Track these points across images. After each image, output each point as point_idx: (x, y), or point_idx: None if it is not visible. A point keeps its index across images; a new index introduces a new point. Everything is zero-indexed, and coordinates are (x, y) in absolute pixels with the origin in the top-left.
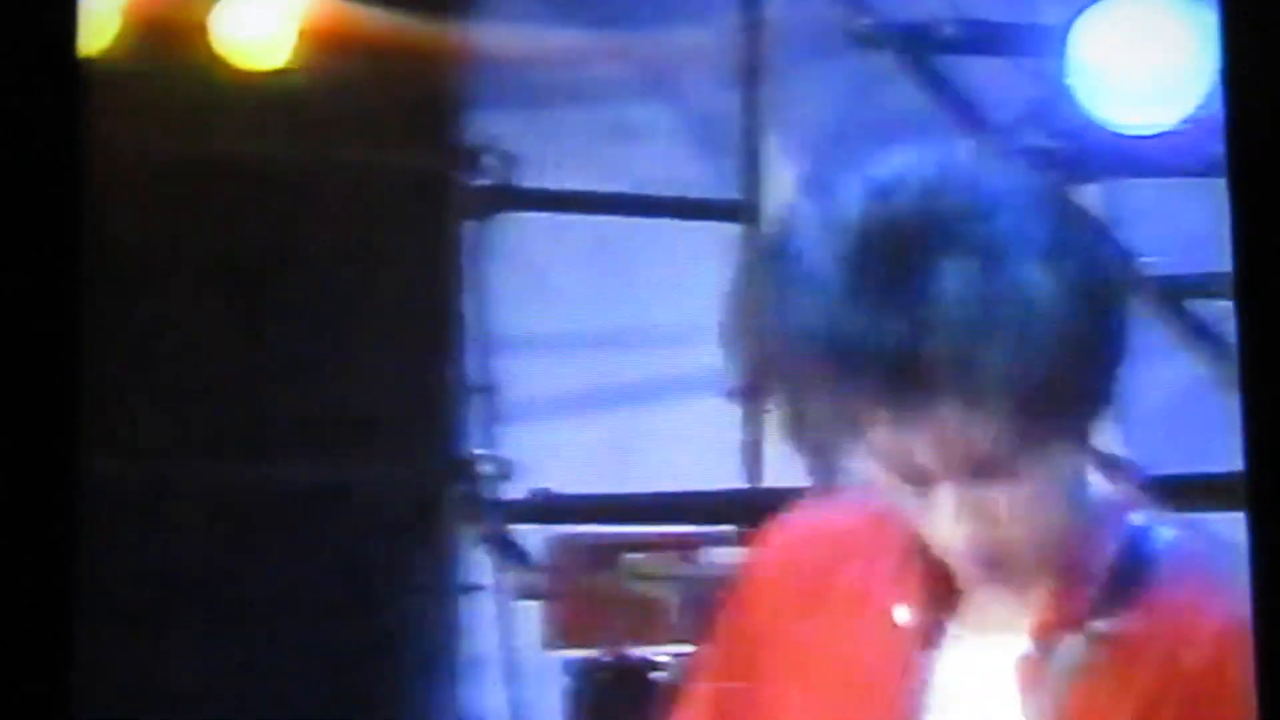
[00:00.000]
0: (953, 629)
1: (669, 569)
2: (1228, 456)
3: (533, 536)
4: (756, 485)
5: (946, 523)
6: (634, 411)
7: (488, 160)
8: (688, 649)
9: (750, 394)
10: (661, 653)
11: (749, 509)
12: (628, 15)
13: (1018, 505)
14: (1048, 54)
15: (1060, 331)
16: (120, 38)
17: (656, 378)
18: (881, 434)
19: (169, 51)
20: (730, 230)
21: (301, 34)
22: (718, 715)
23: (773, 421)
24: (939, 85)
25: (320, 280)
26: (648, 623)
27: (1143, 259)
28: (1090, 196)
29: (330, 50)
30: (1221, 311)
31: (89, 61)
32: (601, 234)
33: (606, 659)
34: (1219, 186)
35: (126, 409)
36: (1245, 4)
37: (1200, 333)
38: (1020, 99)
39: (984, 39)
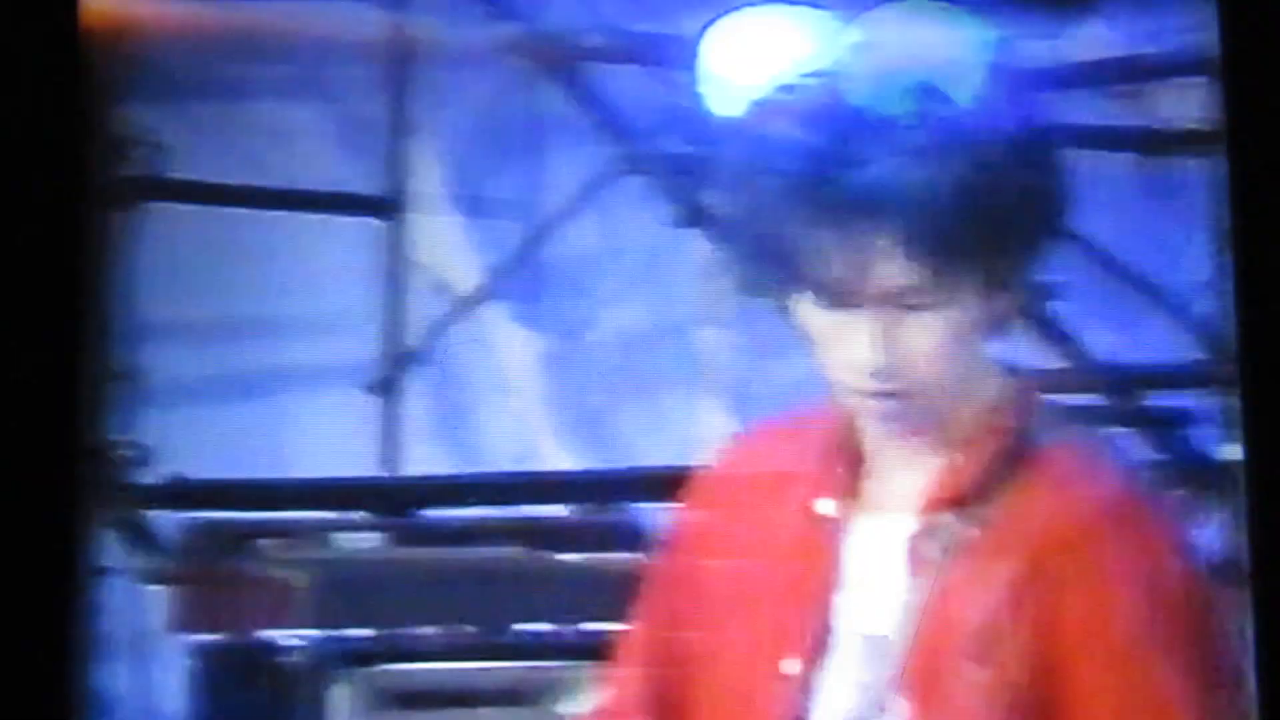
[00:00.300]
0: (861, 514)
1: (302, 554)
2: None
3: (166, 521)
4: (392, 474)
5: (861, 347)
6: (272, 400)
7: (135, 151)
8: (317, 633)
9: (387, 386)
10: (290, 636)
11: (383, 497)
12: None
13: (927, 336)
14: (683, 63)
15: (989, 179)
16: None
17: (296, 367)
18: (821, 259)
19: None
20: (374, 226)
21: None
22: (663, 649)
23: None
24: (581, 92)
25: None
26: (280, 607)
27: None
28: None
29: None
30: None
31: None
32: (248, 226)
33: (230, 641)
34: None
35: None
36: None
37: None
38: (658, 106)
39: (624, 48)
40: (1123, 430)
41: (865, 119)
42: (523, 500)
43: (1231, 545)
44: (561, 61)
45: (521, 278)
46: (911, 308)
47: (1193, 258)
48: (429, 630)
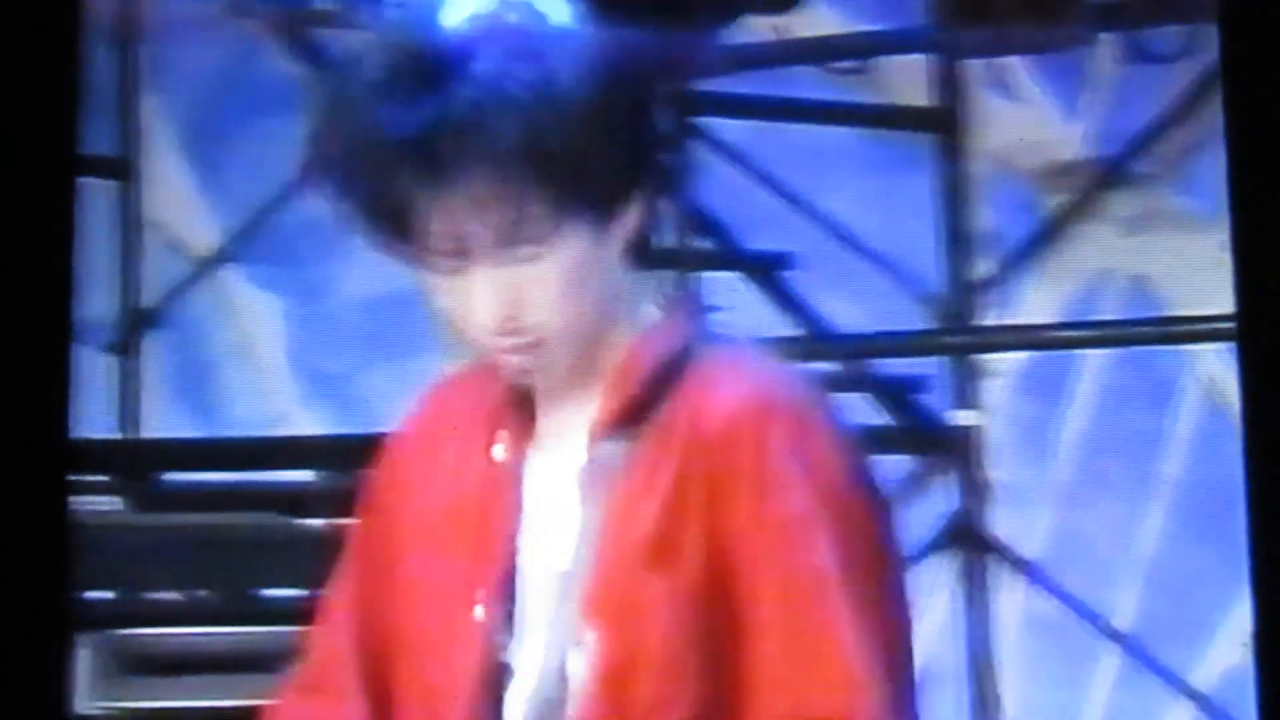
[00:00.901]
0: (536, 453)
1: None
2: None
3: None
4: (131, 436)
5: (481, 300)
6: None
7: None
8: None
9: (125, 347)
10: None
11: (123, 459)
12: None
13: (543, 283)
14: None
15: (577, 114)
16: None
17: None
18: (425, 216)
19: None
20: (108, 186)
21: None
22: (362, 610)
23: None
24: (309, 55)
25: None
26: None
27: None
28: None
29: None
30: None
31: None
32: None
33: None
34: None
35: None
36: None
37: None
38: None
39: (359, 12)
40: (855, 395)
41: (435, 51)
42: (268, 465)
43: (958, 509)
44: (292, 25)
45: (261, 240)
46: (521, 257)
47: (920, 228)
48: (170, 595)
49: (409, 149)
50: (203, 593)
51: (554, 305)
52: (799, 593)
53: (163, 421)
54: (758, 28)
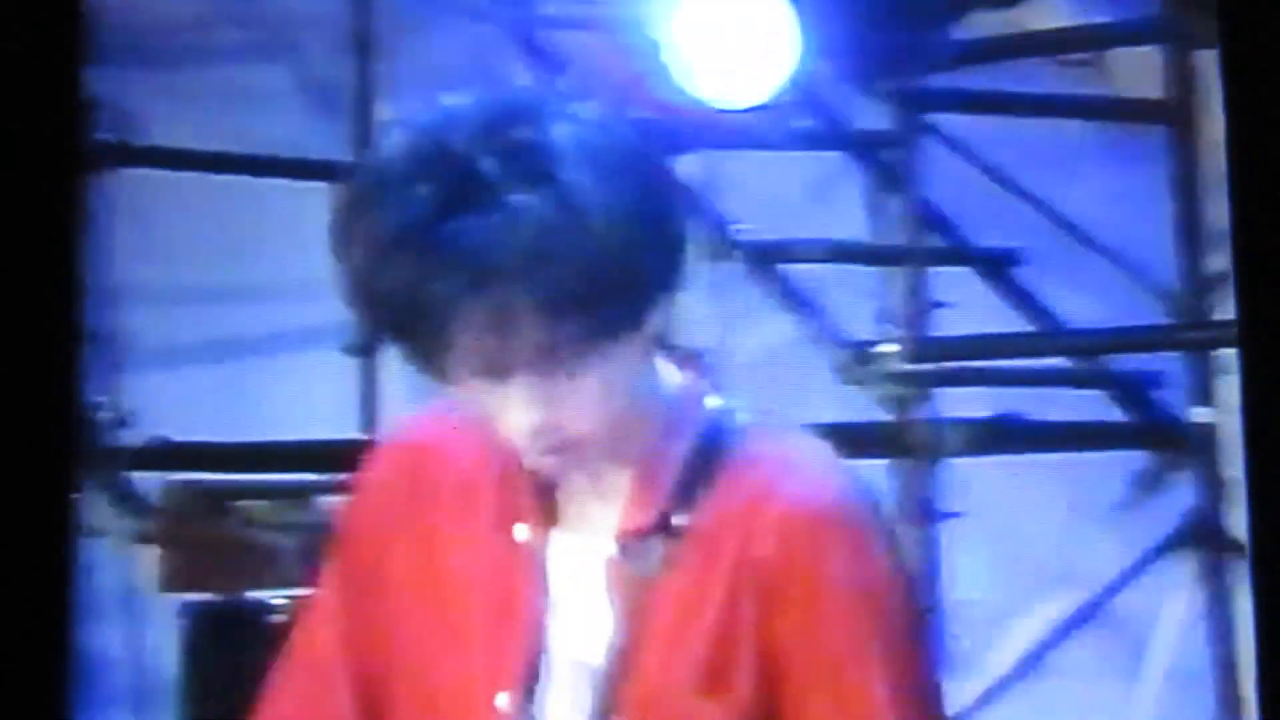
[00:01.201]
0: (557, 536)
1: (282, 516)
2: (819, 407)
3: (150, 483)
4: (371, 435)
5: (517, 413)
6: (251, 362)
7: (107, 117)
8: (301, 592)
9: (366, 348)
10: (276, 596)
11: (357, 457)
12: None
13: (581, 395)
14: (643, 33)
15: (608, 239)
16: None
17: (274, 331)
18: (465, 336)
19: None
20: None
21: None
22: (344, 629)
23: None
24: (544, 59)
25: None
26: (262, 568)
27: (736, 226)
28: (688, 168)
29: None
30: (808, 275)
31: None
32: (221, 191)
33: (221, 602)
34: (810, 158)
35: None
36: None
37: (793, 295)
38: (617, 76)
39: (586, 17)
40: (1091, 391)
41: (474, 164)
42: None
43: (1196, 507)
44: (525, 28)
45: None
46: (559, 368)
47: (1154, 222)
48: None
49: (448, 265)
50: None
51: (591, 414)
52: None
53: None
54: (987, 22)
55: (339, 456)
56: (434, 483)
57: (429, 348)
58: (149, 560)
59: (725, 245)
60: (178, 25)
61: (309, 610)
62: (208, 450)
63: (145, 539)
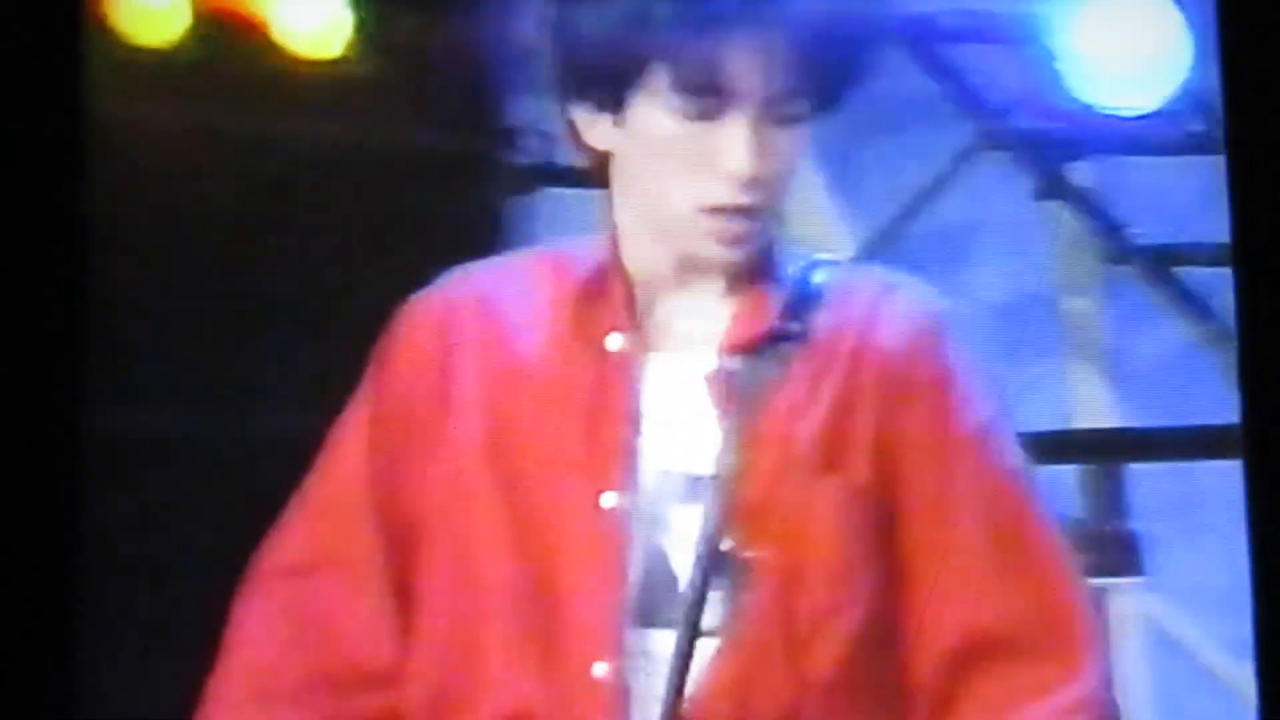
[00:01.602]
0: (650, 352)
1: None
2: (1215, 410)
3: None
4: None
5: (738, 149)
6: None
7: (527, 140)
8: None
9: None
10: None
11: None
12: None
13: (788, 153)
14: (1040, 41)
15: (856, 21)
16: (185, 28)
17: None
18: (691, 56)
19: (228, 40)
20: None
21: (356, 25)
22: (379, 467)
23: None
24: (939, 71)
25: (372, 253)
26: None
27: (1134, 231)
28: (1083, 175)
29: (378, 41)
30: (1207, 278)
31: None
32: None
33: None
34: (1202, 163)
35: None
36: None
37: (1188, 298)
38: (1015, 84)
39: (981, 28)
40: None
41: None
42: None
43: None
44: (920, 42)
45: (894, 250)
46: (780, 120)
47: None
48: None
49: None
50: None
51: (785, 178)
52: (1002, 502)
53: None
54: None
55: None
56: (496, 321)
57: (627, 68)
58: None
59: (1120, 250)
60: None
61: (335, 452)
62: None
63: None
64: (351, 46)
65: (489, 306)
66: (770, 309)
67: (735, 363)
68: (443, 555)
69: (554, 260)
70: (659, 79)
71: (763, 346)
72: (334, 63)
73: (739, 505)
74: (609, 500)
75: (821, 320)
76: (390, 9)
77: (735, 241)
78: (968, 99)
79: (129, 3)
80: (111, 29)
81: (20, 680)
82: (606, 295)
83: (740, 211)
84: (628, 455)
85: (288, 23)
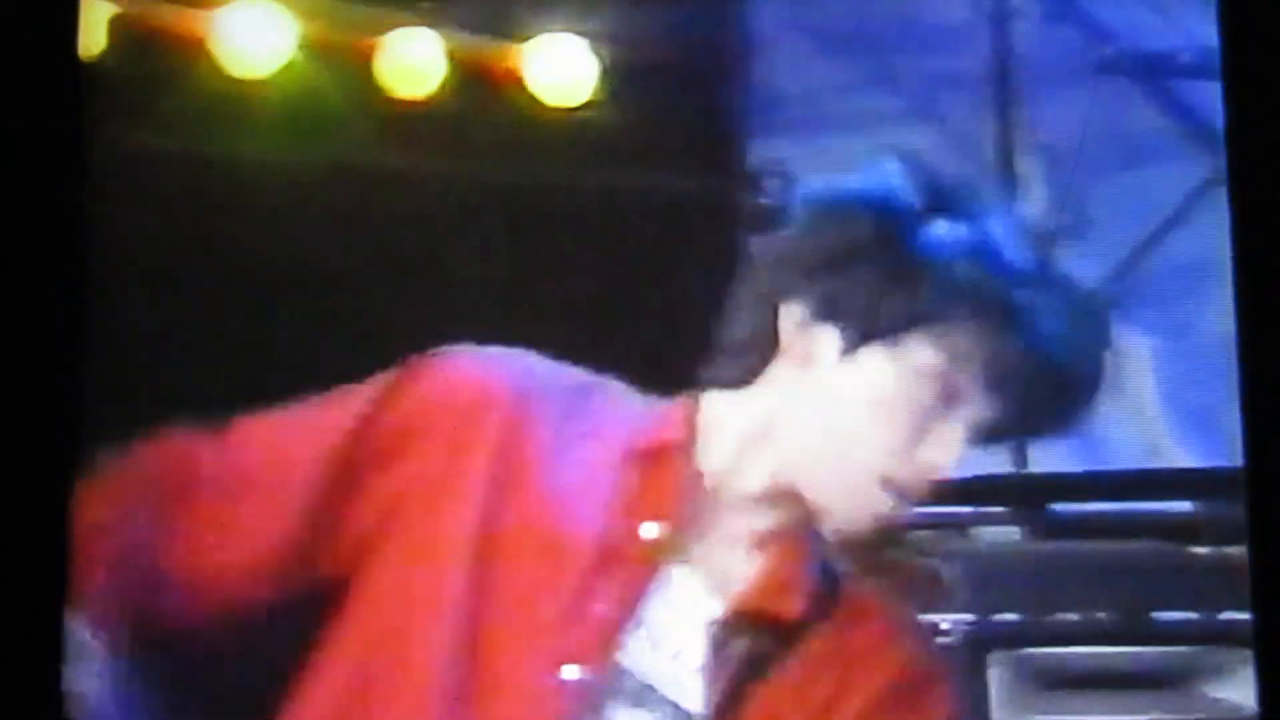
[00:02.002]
0: (676, 558)
1: (946, 545)
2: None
3: None
4: (1022, 470)
5: (958, 446)
6: None
7: (769, 182)
8: (965, 617)
9: None
10: (942, 619)
11: (1015, 492)
12: (888, 46)
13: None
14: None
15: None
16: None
17: None
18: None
19: (482, 99)
20: None
21: (603, 73)
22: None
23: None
24: (1176, 110)
25: (619, 295)
26: (930, 592)
27: None
28: None
29: (628, 87)
30: None
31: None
32: None
33: None
34: None
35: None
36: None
37: None
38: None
39: (1213, 66)
40: None
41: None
42: (1146, 495)
43: None
44: (1158, 80)
45: (1132, 284)
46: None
47: None
48: (1070, 616)
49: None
50: (1100, 614)
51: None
52: None
53: (1047, 456)
54: None
55: (991, 491)
56: (538, 430)
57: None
58: None
59: None
60: (830, 91)
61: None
62: None
63: None
64: (596, 94)
65: (540, 409)
66: (801, 591)
67: (738, 624)
68: (365, 625)
69: (623, 402)
70: (923, 354)
71: (771, 627)
72: (580, 110)
73: None
74: (571, 673)
75: (827, 633)
76: (632, 57)
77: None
78: (1205, 138)
79: (393, 59)
80: (376, 83)
81: (20, 680)
82: (667, 477)
83: (905, 499)
84: (608, 638)
85: (538, 74)
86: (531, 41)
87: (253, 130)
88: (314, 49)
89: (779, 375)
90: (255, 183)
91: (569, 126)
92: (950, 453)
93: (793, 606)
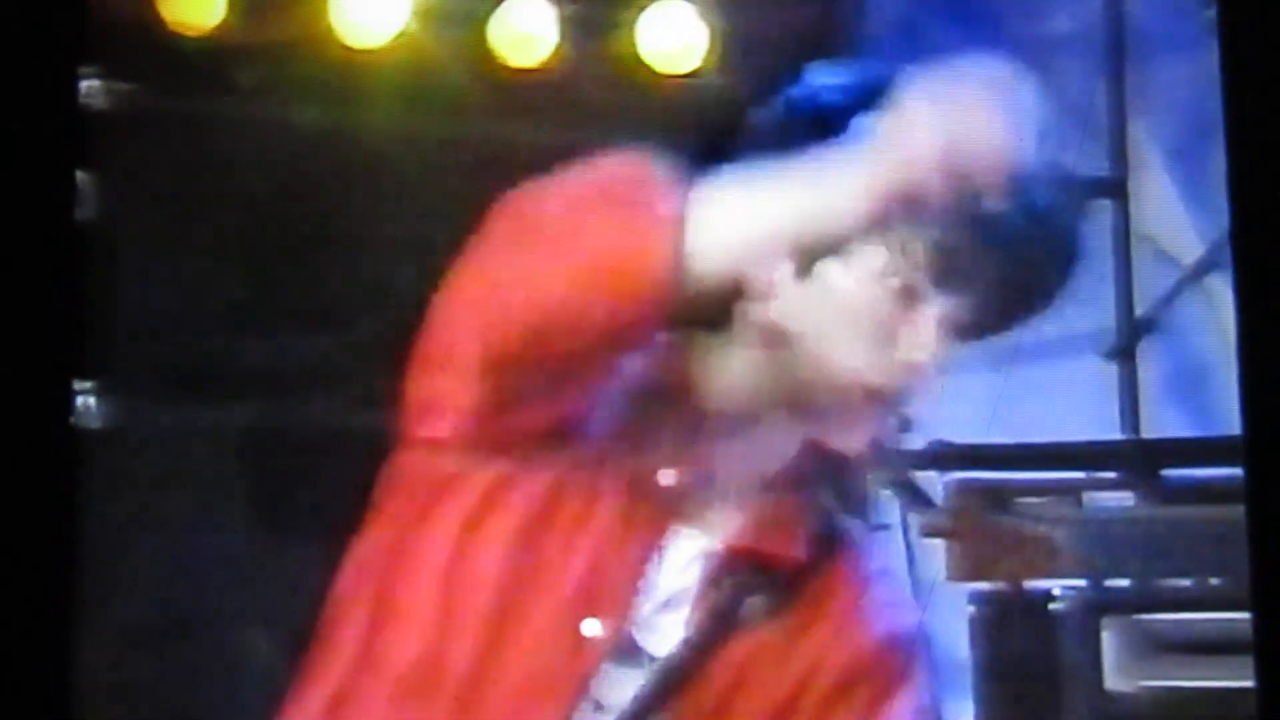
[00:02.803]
0: (679, 531)
1: (1056, 511)
2: None
3: (932, 481)
4: (1133, 436)
5: (934, 334)
6: (1021, 369)
7: None
8: (1079, 583)
9: (1125, 352)
10: (1053, 585)
11: (1128, 457)
12: (1000, 11)
13: (946, 356)
14: None
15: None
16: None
17: (1040, 339)
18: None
19: (601, 67)
20: (1104, 205)
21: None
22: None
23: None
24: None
25: None
26: (1039, 559)
27: None
28: None
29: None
30: None
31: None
32: None
33: (1005, 590)
34: None
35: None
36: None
37: None
38: None
39: None
40: None
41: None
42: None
43: None
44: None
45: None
46: (962, 329)
47: None
48: (1183, 582)
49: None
50: (1213, 580)
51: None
52: None
53: (1161, 421)
54: None
55: (1106, 456)
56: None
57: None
58: (938, 552)
59: None
60: (941, 56)
61: None
62: (983, 451)
63: (933, 533)
64: (706, 61)
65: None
66: (801, 537)
67: (729, 575)
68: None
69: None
70: (876, 257)
71: (767, 576)
72: (690, 76)
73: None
74: (591, 628)
75: (810, 604)
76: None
77: (879, 420)
78: None
79: (506, 27)
80: (490, 54)
81: (20, 680)
82: (678, 416)
83: (891, 396)
84: (627, 598)
85: (649, 41)
86: (642, 9)
87: (369, 100)
88: (428, 19)
89: (746, 314)
90: (373, 153)
91: (678, 92)
92: (926, 350)
93: (791, 550)
